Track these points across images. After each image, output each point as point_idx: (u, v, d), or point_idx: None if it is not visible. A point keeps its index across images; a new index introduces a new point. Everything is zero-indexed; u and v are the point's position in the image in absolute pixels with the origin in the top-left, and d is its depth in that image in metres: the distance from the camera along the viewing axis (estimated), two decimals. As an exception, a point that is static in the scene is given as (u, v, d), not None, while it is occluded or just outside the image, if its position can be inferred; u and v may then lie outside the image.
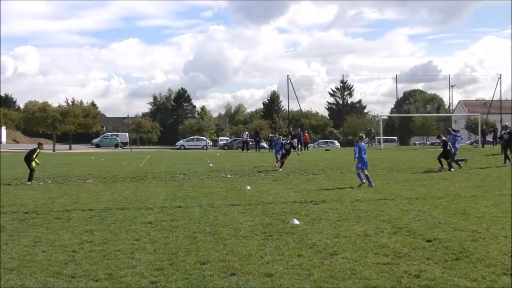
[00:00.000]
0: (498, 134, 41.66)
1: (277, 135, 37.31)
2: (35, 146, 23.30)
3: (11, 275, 7.76)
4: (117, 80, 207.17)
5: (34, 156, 22.50)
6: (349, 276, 7.32)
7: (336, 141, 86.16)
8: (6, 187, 20.39)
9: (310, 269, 7.71)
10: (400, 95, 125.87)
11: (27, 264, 8.31)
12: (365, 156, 18.40)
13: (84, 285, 7.21)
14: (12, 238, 10.44)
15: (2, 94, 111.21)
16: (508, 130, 26.76)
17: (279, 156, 27.54)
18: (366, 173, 18.33)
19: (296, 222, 11.29)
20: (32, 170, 22.27)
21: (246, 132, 57.54)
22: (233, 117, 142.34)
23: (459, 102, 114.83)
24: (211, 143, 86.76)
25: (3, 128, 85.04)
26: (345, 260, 8.16)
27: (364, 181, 17.99)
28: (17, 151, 65.20)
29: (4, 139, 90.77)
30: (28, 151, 23.31)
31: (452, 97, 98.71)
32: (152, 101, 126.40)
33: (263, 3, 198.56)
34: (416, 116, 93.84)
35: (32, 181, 21.83)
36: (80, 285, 7.21)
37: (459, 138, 27.26)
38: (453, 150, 24.21)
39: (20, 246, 9.65)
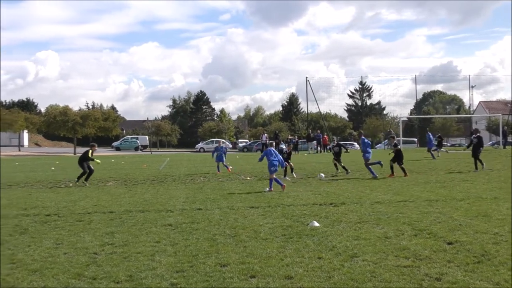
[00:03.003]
0: None
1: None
2: (88, 149, 23.29)
3: (33, 276, 7.84)
4: (137, 84, 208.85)
5: (90, 157, 22.61)
6: (369, 279, 7.29)
7: (355, 143, 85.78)
8: (29, 189, 20.58)
9: (330, 271, 7.69)
10: (420, 96, 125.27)
11: (49, 266, 8.39)
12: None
13: (105, 287, 7.26)
14: (35, 240, 10.54)
15: (24, 98, 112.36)
16: None
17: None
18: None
19: (316, 224, 11.27)
20: (91, 171, 22.48)
21: (265, 134, 57.66)
22: (252, 120, 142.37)
23: (479, 102, 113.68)
24: (230, 146, 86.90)
25: (25, 131, 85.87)
26: (365, 262, 8.13)
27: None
28: (39, 154, 65.85)
29: (26, 142, 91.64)
30: (81, 154, 23.40)
31: (472, 98, 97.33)
32: (171, 104, 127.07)
33: (281, 5, 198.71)
34: (436, 117, 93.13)
35: (85, 182, 22.01)
36: (101, 287, 7.26)
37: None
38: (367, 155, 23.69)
39: (42, 248, 9.75)
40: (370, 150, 24.11)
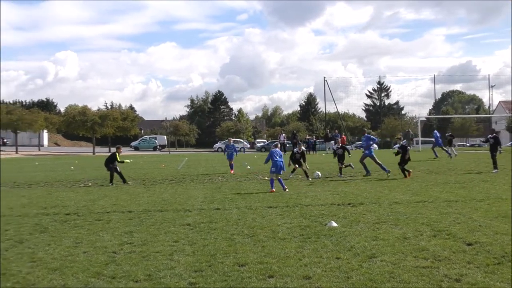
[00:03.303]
0: None
1: (314, 137, 36.75)
2: (114, 151, 23.27)
3: (53, 274, 7.91)
4: (155, 84, 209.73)
5: (117, 158, 22.64)
6: (388, 280, 7.26)
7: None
8: (49, 189, 20.77)
9: (349, 271, 7.67)
10: (438, 96, 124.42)
11: (69, 265, 8.46)
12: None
13: (124, 286, 7.30)
14: (55, 239, 10.64)
15: (44, 98, 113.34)
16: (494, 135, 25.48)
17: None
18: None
19: (334, 224, 11.24)
20: (118, 172, 22.48)
21: (283, 134, 57.60)
22: (270, 120, 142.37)
23: (499, 102, 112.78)
24: (248, 146, 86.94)
25: (45, 131, 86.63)
26: (383, 263, 8.10)
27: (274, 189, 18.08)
28: (58, 154, 66.37)
29: (46, 142, 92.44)
30: (107, 156, 23.34)
31: (492, 98, 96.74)
32: (189, 104, 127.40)
33: (298, 5, 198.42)
34: (455, 117, 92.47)
35: (112, 183, 22.07)
36: (120, 286, 7.30)
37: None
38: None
39: (62, 247, 9.83)
40: (372, 148, 24.08)
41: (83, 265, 8.43)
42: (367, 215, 12.52)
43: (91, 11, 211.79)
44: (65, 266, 8.39)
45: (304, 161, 23.31)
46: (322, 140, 62.00)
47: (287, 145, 55.55)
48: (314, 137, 65.39)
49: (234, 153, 27.82)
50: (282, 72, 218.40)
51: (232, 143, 28.19)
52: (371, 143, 24.14)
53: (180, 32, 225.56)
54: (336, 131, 58.96)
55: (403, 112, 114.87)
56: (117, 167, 22.60)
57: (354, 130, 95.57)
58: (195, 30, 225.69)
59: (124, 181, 22.24)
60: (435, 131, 39.52)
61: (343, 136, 56.13)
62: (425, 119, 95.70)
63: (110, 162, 22.54)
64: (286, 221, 12.02)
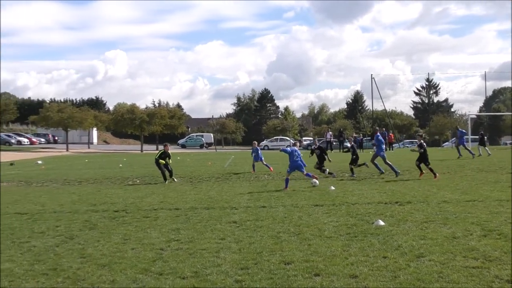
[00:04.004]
0: None
1: (361, 135, 36.21)
2: (162, 149, 23.45)
3: (102, 270, 8.05)
4: (202, 82, 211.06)
5: (158, 156, 22.73)
6: (437, 280, 7.15)
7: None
8: (98, 186, 21.14)
9: (396, 271, 7.58)
10: (489, 93, 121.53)
11: (118, 261, 8.59)
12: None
13: (171, 282, 7.38)
14: (103, 235, 10.82)
15: (93, 97, 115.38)
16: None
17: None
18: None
19: (381, 223, 11.13)
20: (169, 170, 22.59)
21: (330, 132, 57.27)
22: (317, 117, 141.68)
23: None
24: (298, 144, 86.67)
25: (94, 129, 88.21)
26: (432, 262, 7.98)
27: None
28: (107, 151, 67.50)
29: (95, 140, 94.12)
30: (156, 155, 23.38)
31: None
32: (236, 102, 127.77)
33: (346, 2, 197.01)
34: (507, 115, 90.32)
35: (168, 179, 22.23)
36: (168, 282, 7.38)
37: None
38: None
39: (111, 243, 10.00)
40: (383, 147, 23.39)
41: (131, 261, 8.55)
42: (415, 214, 12.35)
43: (140, 10, 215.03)
44: (113, 262, 8.53)
45: (324, 159, 23.43)
46: (369, 138, 61.45)
47: (334, 143, 55.24)
48: (361, 135, 64.88)
49: (259, 157, 27.33)
50: (329, 69, 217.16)
51: (256, 147, 27.96)
52: (381, 143, 23.40)
53: (227, 30, 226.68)
54: (384, 129, 58.32)
55: (452, 109, 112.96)
56: (167, 165, 22.70)
57: (402, 128, 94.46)
58: (242, 28, 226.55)
59: (165, 179, 22.20)
60: (459, 129, 38.54)
61: (390, 134, 55.54)
62: (475, 116, 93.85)
63: (161, 159, 22.60)
64: (332, 219, 11.96)
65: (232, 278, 7.49)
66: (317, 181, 18.95)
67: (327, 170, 22.87)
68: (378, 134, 24.23)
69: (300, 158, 18.76)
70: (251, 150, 28.63)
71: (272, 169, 26.66)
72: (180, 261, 8.48)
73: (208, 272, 7.80)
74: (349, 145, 23.58)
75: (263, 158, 27.39)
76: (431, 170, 21.00)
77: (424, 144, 21.80)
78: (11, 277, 7.83)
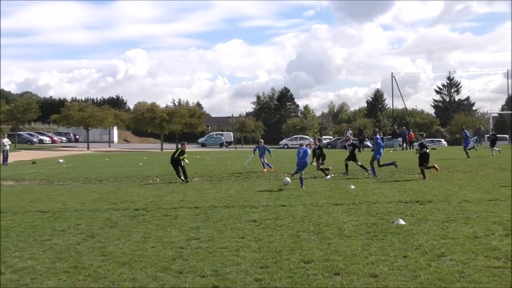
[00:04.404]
0: None
1: (381, 133, 35.91)
2: (179, 148, 23.27)
3: (123, 268, 8.10)
4: (222, 81, 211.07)
5: (176, 155, 22.46)
6: (458, 279, 7.09)
7: (442, 140, 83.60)
8: (118, 184, 21.27)
9: (417, 270, 7.54)
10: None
11: (138, 259, 8.65)
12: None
13: (191, 281, 7.40)
14: (124, 233, 10.89)
15: (114, 96, 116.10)
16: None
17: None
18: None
19: (402, 222, 11.07)
20: (183, 169, 22.30)
21: (350, 131, 57.00)
22: (336, 116, 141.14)
23: None
24: (312, 142, 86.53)
25: (115, 128, 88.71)
26: (453, 262, 7.92)
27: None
28: (128, 150, 67.89)
29: (115, 138, 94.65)
30: (172, 153, 23.21)
31: None
32: (255, 100, 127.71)
33: (367, 1, 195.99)
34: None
35: (184, 178, 22.00)
36: (187, 281, 7.41)
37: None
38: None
39: (131, 242, 10.06)
40: (381, 151, 23.04)
41: (151, 259, 8.60)
42: (435, 213, 12.27)
43: (160, 9, 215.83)
44: (134, 260, 8.59)
45: (323, 158, 23.31)
46: (390, 136, 61.15)
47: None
48: (382, 133, 64.53)
49: (266, 152, 27.08)
50: (349, 68, 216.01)
51: (263, 145, 27.71)
52: (379, 149, 23.01)
53: (247, 29, 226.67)
54: (404, 127, 57.99)
55: (474, 108, 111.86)
56: (182, 164, 22.50)
57: (423, 127, 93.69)
58: (262, 27, 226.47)
59: (186, 178, 22.08)
60: (465, 130, 38.14)
61: (411, 132, 55.20)
62: (497, 115, 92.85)
63: (177, 158, 22.46)
64: (352, 218, 11.92)
65: (251, 276, 7.50)
66: (289, 179, 19.55)
67: (327, 170, 22.85)
68: (378, 136, 23.91)
69: (307, 158, 18.95)
70: (254, 149, 28.21)
71: (265, 170, 26.41)
72: (200, 259, 8.51)
73: (228, 270, 7.82)
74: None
75: (264, 157, 27.04)
76: (422, 171, 20.50)
77: (425, 143, 21.49)
78: (33, 275, 7.91)
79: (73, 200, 16.45)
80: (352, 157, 23.53)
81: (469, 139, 36.26)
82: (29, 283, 7.54)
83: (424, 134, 24.82)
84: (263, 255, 8.65)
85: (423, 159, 20.73)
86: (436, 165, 21.19)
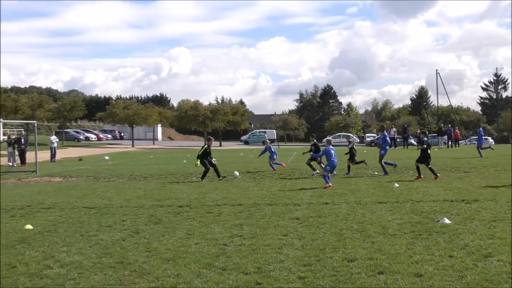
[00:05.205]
0: None
1: (426, 131, 35.34)
2: (206, 143, 22.87)
3: (167, 264, 8.19)
4: (264, 78, 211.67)
5: (203, 153, 21.86)
6: (506, 280, 6.95)
7: (489, 138, 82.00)
8: (163, 181, 21.48)
9: (463, 270, 7.42)
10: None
11: (182, 255, 8.73)
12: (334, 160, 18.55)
13: (234, 278, 7.44)
14: (168, 230, 11.00)
15: (158, 94, 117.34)
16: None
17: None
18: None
19: (447, 221, 10.91)
20: (214, 166, 21.94)
21: (394, 129, 56.47)
22: (380, 114, 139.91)
23: None
24: (358, 140, 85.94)
25: (159, 126, 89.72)
26: (500, 263, 7.77)
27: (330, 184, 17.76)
28: (171, 147, 68.54)
29: (160, 136, 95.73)
30: (200, 150, 22.43)
31: None
32: (298, 98, 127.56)
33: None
34: None
35: (218, 176, 21.78)
36: (231, 278, 7.44)
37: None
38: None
39: (175, 238, 10.16)
40: (387, 148, 22.74)
41: (195, 256, 8.67)
42: (482, 213, 12.05)
43: (203, 8, 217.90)
44: (178, 256, 8.67)
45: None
46: (435, 134, 60.33)
47: (398, 140, 54.43)
48: (426, 131, 63.66)
49: (274, 154, 26.63)
50: (393, 65, 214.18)
51: (269, 145, 27.24)
52: (387, 144, 22.68)
53: (289, 27, 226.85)
54: (449, 125, 57.13)
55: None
56: (212, 161, 22.03)
57: (469, 124, 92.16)
58: (304, 24, 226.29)
59: (219, 176, 21.81)
60: (480, 129, 36.94)
61: (456, 130, 54.34)
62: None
63: (204, 156, 21.89)
64: (396, 217, 11.80)
65: (295, 274, 7.49)
66: (237, 173, 20.29)
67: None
68: (385, 133, 23.90)
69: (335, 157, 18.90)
70: (263, 151, 27.59)
71: (284, 165, 26.28)
72: (243, 256, 8.54)
73: (271, 268, 7.83)
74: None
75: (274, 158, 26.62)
76: (432, 170, 19.86)
77: (426, 140, 20.61)
78: (80, 269, 8.06)
79: (119, 197, 16.70)
80: (352, 158, 23.64)
81: (481, 140, 35.07)
82: (76, 277, 7.68)
83: (426, 132, 24.54)
84: (306, 253, 8.64)
85: (425, 158, 19.99)
86: (438, 175, 19.79)
